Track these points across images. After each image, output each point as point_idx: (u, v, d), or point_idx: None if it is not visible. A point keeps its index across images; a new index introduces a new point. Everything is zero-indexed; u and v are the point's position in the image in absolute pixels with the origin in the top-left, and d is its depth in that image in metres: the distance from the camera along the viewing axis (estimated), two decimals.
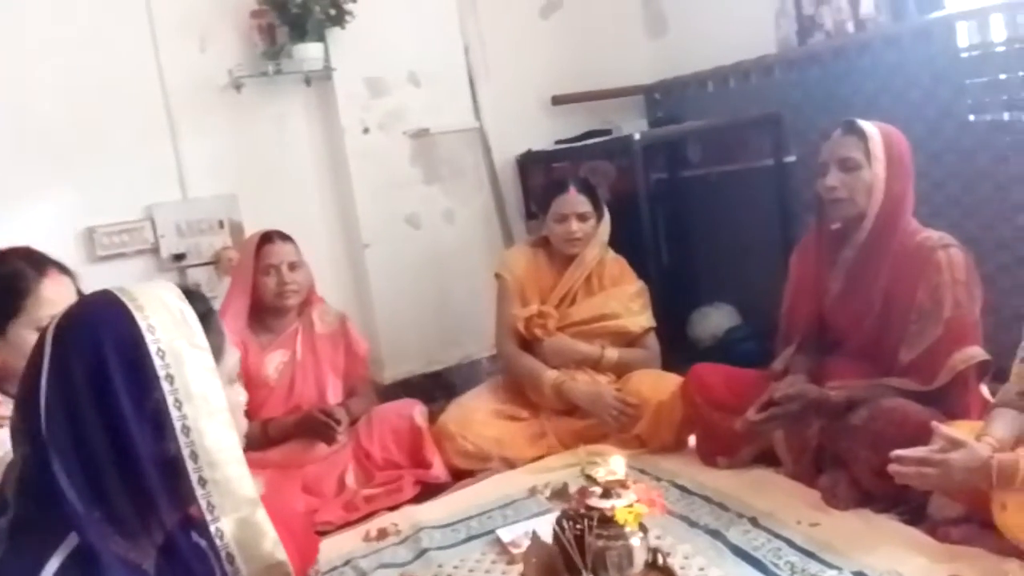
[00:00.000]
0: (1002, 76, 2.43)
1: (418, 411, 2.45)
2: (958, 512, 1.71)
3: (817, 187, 2.01)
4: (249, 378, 2.21)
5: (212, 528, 0.85)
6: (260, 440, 2.22)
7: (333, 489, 2.28)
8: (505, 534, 1.99)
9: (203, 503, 0.85)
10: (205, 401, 0.86)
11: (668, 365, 2.70)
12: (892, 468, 1.59)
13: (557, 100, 3.54)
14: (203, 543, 0.87)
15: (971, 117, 2.50)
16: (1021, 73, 2.38)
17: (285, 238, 2.38)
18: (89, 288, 1.40)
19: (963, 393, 1.88)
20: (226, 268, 2.80)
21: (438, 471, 2.36)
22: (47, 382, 0.83)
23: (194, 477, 0.84)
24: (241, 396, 1.01)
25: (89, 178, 2.70)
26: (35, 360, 0.86)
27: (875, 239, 1.97)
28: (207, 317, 0.94)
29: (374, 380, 3.09)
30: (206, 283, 2.86)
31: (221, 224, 2.90)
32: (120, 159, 2.74)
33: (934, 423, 1.61)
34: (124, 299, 0.88)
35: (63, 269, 1.50)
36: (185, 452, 0.84)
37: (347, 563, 1.97)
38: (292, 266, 2.34)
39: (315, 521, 2.14)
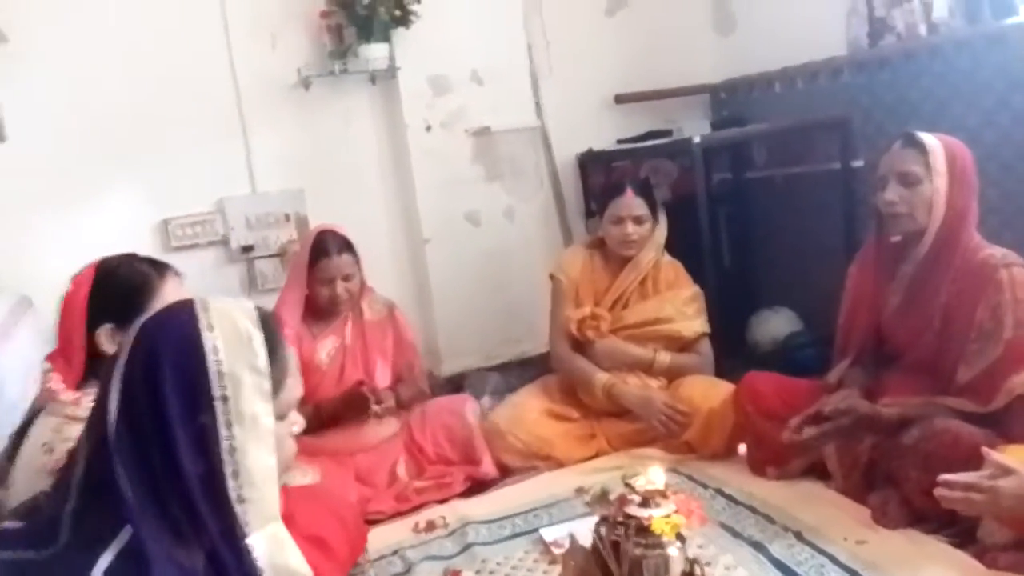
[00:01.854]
0: None
1: (470, 408, 2.50)
2: (1008, 538, 1.67)
3: (876, 200, 1.97)
4: (303, 364, 2.29)
5: (247, 543, 0.90)
6: (312, 421, 2.29)
7: (385, 480, 2.36)
8: (548, 534, 2.03)
9: (240, 519, 0.90)
10: (255, 423, 0.91)
11: (725, 369, 2.68)
12: (939, 492, 1.56)
13: (620, 99, 3.54)
14: (242, 555, 0.91)
15: None
16: None
17: (342, 249, 2.38)
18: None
19: (1022, 416, 1.82)
20: (290, 258, 2.91)
21: (487, 468, 2.41)
22: (117, 385, 0.89)
23: (233, 495, 0.90)
24: (295, 427, 1.05)
25: (164, 172, 2.85)
26: (112, 363, 0.93)
27: (936, 254, 1.92)
28: (276, 348, 0.98)
29: (431, 373, 3.17)
30: (272, 275, 2.98)
31: (287, 217, 3.01)
32: (193, 154, 2.87)
33: (984, 448, 1.57)
34: (199, 314, 0.93)
35: (176, 272, 1.61)
36: (228, 470, 0.89)
37: (395, 553, 2.04)
38: (347, 278, 2.39)
39: (367, 510, 2.22)
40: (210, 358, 0.90)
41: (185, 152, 2.86)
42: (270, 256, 3.00)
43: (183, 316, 0.92)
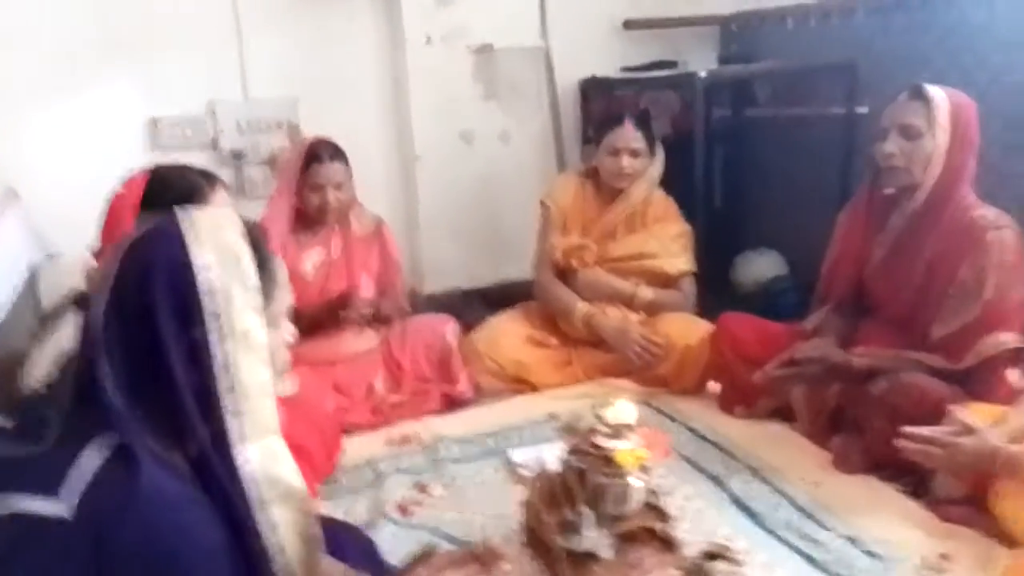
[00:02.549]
0: None
1: (450, 328, 2.52)
2: (960, 492, 1.72)
3: (874, 151, 1.95)
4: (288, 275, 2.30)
5: (240, 455, 0.91)
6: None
7: (362, 392, 2.40)
8: (517, 455, 2.08)
9: (234, 432, 0.91)
10: (246, 338, 0.91)
11: (707, 307, 2.70)
12: (900, 442, 1.60)
13: (629, 24, 3.44)
14: (234, 464, 0.92)
15: None
16: None
17: (334, 156, 2.37)
18: None
19: (989, 377, 1.85)
20: (281, 164, 2.87)
21: (464, 388, 2.45)
22: (108, 295, 0.89)
23: (229, 408, 0.90)
24: (287, 335, 1.06)
25: (155, 69, 2.77)
26: (105, 271, 0.92)
27: (927, 210, 1.91)
28: (265, 259, 0.98)
29: (414, 290, 3.18)
30: (262, 182, 2.95)
31: (280, 125, 2.95)
32: (186, 53, 2.79)
33: (950, 406, 1.61)
34: (186, 232, 0.91)
35: (224, 184, 1.68)
36: (223, 385, 0.90)
37: (367, 463, 2.09)
38: (338, 186, 2.37)
39: (343, 420, 2.26)
40: (201, 275, 0.89)
41: (178, 50, 2.78)
42: (260, 163, 2.96)
43: (171, 233, 0.91)
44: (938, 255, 1.90)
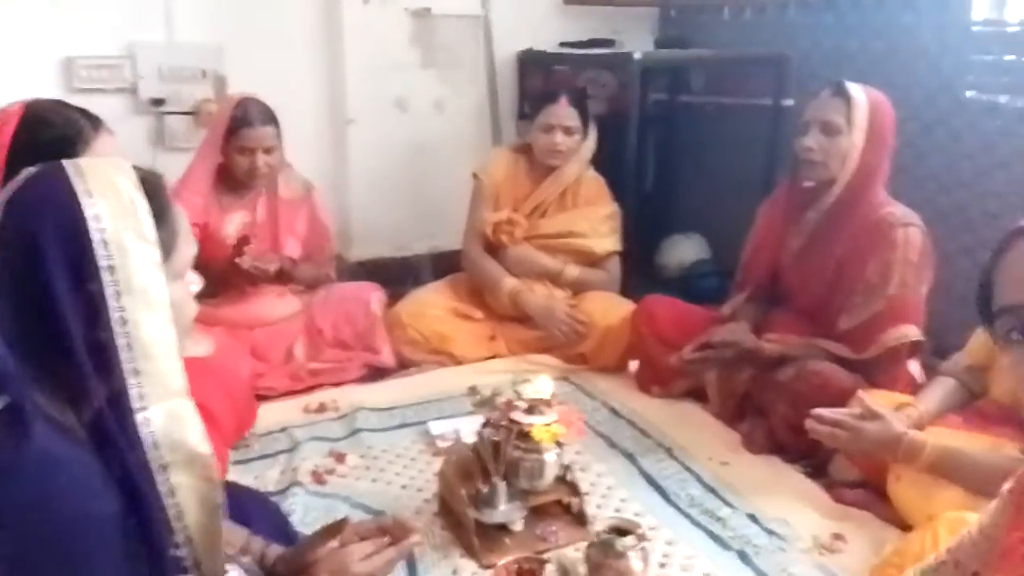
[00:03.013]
0: (1008, 57, 2.39)
1: (375, 297, 2.50)
2: (855, 476, 1.82)
3: (795, 144, 2.01)
4: (208, 236, 2.22)
5: (140, 416, 0.87)
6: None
7: (281, 357, 2.35)
8: (435, 427, 2.09)
9: (133, 391, 0.87)
10: (145, 295, 0.87)
11: (630, 288, 2.75)
12: (808, 424, 1.67)
13: None
14: (133, 425, 0.88)
15: (968, 94, 2.47)
16: None
17: (265, 119, 2.27)
18: None
19: (891, 367, 1.95)
20: (204, 121, 2.76)
21: (385, 358, 2.44)
22: None
23: (127, 367, 0.86)
24: (193, 286, 1.01)
25: (72, 4, 2.62)
26: None
27: (840, 206, 1.98)
28: (163, 209, 0.92)
29: (341, 256, 3.13)
30: (183, 133, 2.84)
31: (204, 74, 2.84)
32: None
33: (859, 391, 1.68)
34: (75, 181, 0.86)
35: (109, 129, 1.51)
36: (121, 342, 0.86)
37: (283, 430, 2.06)
38: (268, 150, 2.28)
39: (259, 385, 2.22)
40: (92, 226, 0.84)
41: None
42: (182, 113, 2.84)
43: (58, 183, 0.86)
44: (849, 249, 1.98)
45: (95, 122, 1.49)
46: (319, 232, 2.51)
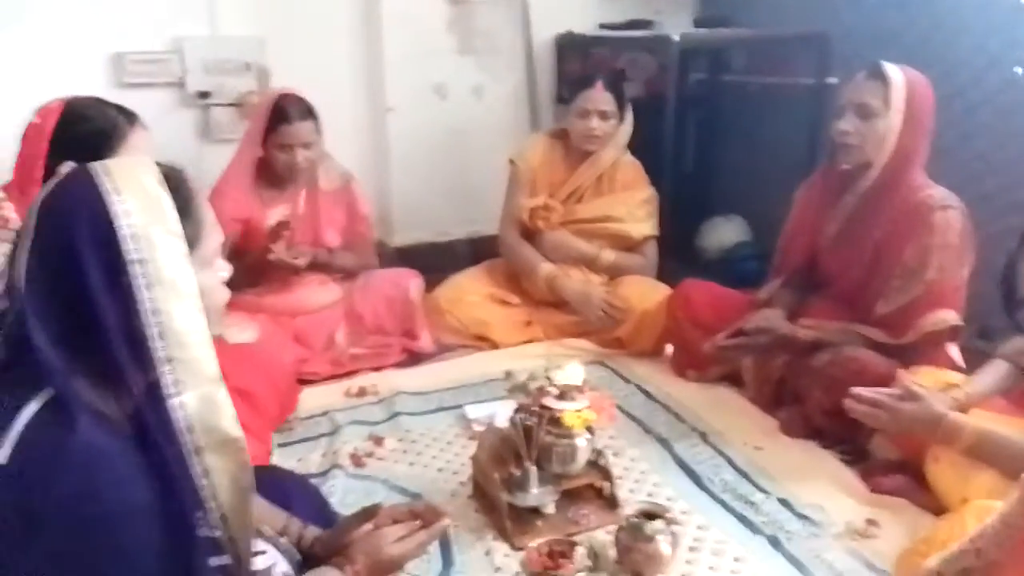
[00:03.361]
0: None
1: (414, 284, 2.54)
2: (895, 455, 1.80)
3: (831, 128, 1.98)
4: (251, 230, 2.29)
5: (175, 401, 0.91)
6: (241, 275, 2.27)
7: (322, 344, 2.42)
8: (471, 411, 2.13)
9: (168, 378, 0.91)
10: (174, 286, 0.91)
11: (670, 272, 2.74)
12: (847, 403, 1.66)
13: None
14: (168, 411, 0.92)
15: (1018, 70, 2.39)
16: None
17: (304, 115, 2.30)
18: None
19: (930, 352, 1.92)
20: (248, 113, 2.83)
21: (425, 343, 2.49)
22: (29, 248, 0.89)
23: (161, 355, 0.90)
24: (223, 272, 1.06)
25: (120, 2, 2.70)
26: (25, 225, 0.92)
27: (878, 190, 1.95)
28: (187, 201, 0.97)
29: (382, 242, 3.19)
30: (227, 124, 2.91)
31: (248, 67, 2.91)
32: None
33: (900, 371, 1.67)
34: (103, 180, 0.91)
35: (144, 124, 1.61)
36: (154, 331, 0.90)
37: (325, 414, 2.13)
38: (307, 145, 2.31)
39: (301, 370, 2.29)
40: (121, 222, 0.89)
41: None
42: (227, 105, 2.91)
43: (87, 184, 0.91)
44: (887, 233, 1.95)
45: (131, 117, 1.58)
46: (359, 222, 2.55)
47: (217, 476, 0.94)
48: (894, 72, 1.89)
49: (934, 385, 1.71)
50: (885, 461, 1.86)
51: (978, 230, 1.94)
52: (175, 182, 0.96)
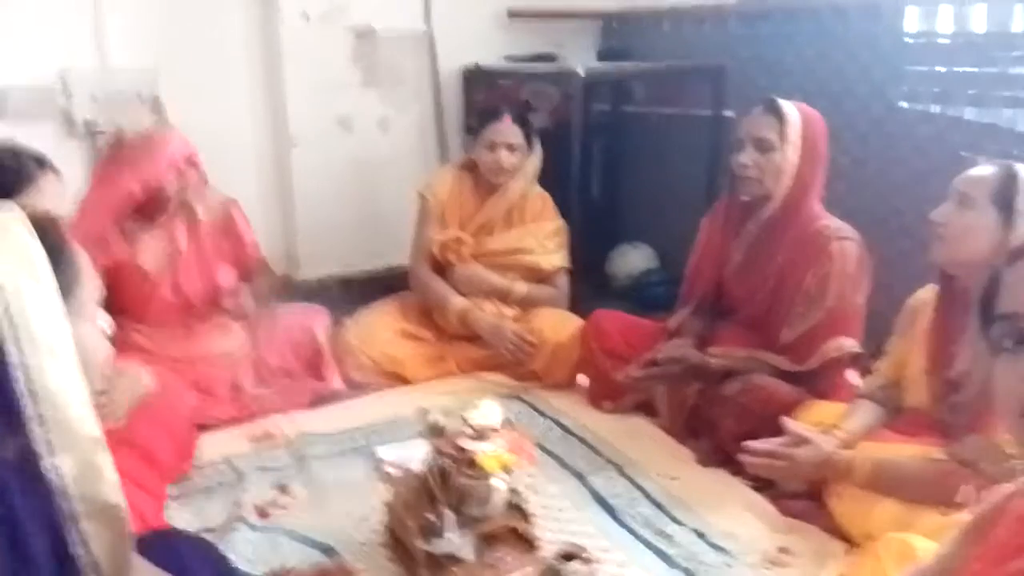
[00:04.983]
0: (940, 68, 2.46)
1: (320, 323, 2.45)
2: (800, 487, 1.84)
3: (731, 161, 2.03)
4: (121, 269, 2.15)
5: (48, 464, 0.85)
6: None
7: (226, 391, 2.28)
8: (384, 452, 2.06)
9: (41, 441, 0.84)
10: (46, 340, 0.84)
11: (581, 299, 2.76)
12: (743, 457, 1.69)
13: (513, 13, 3.43)
14: (43, 476, 0.86)
15: (903, 104, 2.53)
16: (958, 68, 2.40)
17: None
18: None
19: (832, 377, 1.99)
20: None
21: (334, 384, 2.40)
22: None
23: (32, 415, 0.84)
24: (103, 323, 1.00)
25: (1, 33, 2.55)
26: None
27: (777, 220, 2.01)
28: (58, 249, 0.90)
29: (287, 277, 3.09)
30: None
31: (140, 98, 2.78)
32: (35, 15, 2.58)
33: (783, 418, 1.70)
34: None
35: (56, 169, 1.62)
36: (24, 390, 0.83)
37: (225, 461, 2.02)
38: (183, 182, 2.20)
39: (203, 414, 2.16)
40: None
41: (25, 12, 2.57)
42: None
43: None
44: (787, 262, 2.01)
45: (42, 162, 1.59)
46: (245, 248, 2.39)
47: (97, 545, 0.87)
48: (789, 108, 1.97)
49: (824, 420, 1.76)
50: (791, 493, 1.89)
51: (871, 253, 2.02)
52: (44, 228, 0.89)
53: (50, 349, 0.85)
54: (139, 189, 2.14)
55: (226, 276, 2.33)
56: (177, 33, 2.81)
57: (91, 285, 0.96)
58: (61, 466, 0.85)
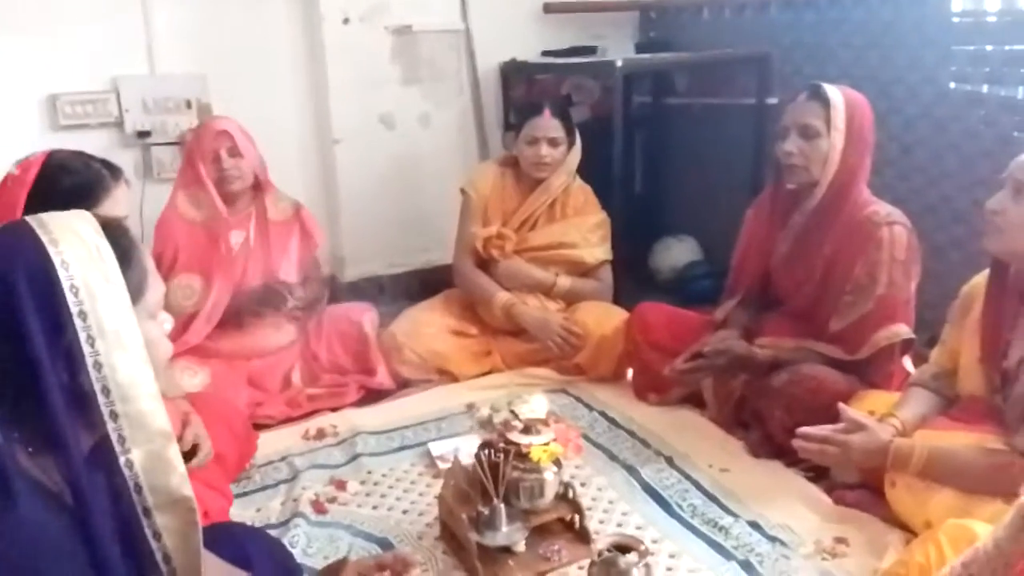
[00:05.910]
0: (989, 47, 2.40)
1: (368, 318, 2.50)
2: (855, 478, 1.82)
3: (776, 149, 2.01)
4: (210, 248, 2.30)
5: (122, 459, 0.88)
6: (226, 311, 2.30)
7: (278, 385, 2.36)
8: (436, 448, 2.09)
9: (114, 435, 0.87)
10: (118, 337, 0.88)
11: (625, 293, 2.75)
12: (796, 443, 1.67)
13: (549, 8, 3.43)
14: (117, 470, 0.89)
15: (952, 85, 2.48)
16: (1008, 47, 2.35)
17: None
18: None
19: (885, 365, 1.96)
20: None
21: (382, 379, 2.44)
22: None
23: (106, 411, 0.87)
24: (167, 324, 1.03)
25: (54, 43, 2.63)
26: None
27: (824, 208, 1.98)
28: (128, 252, 0.94)
29: (335, 277, 3.14)
30: (170, 163, 2.85)
31: (189, 104, 2.85)
32: (87, 25, 2.66)
33: (840, 404, 1.68)
34: (39, 232, 0.88)
35: (127, 178, 1.66)
36: (97, 387, 0.86)
37: (283, 459, 2.06)
38: (232, 151, 2.31)
39: (257, 414, 2.22)
40: (61, 273, 0.85)
41: (78, 23, 2.64)
42: (168, 144, 2.85)
43: (23, 235, 0.87)
44: (836, 250, 1.98)
45: (115, 171, 1.61)
46: (310, 249, 2.52)
47: (169, 537, 0.91)
48: (833, 93, 1.93)
49: (878, 410, 1.74)
50: (847, 484, 1.87)
51: (923, 241, 1.99)
52: (114, 232, 0.93)
53: (121, 345, 0.88)
54: (194, 174, 2.31)
55: (288, 273, 2.41)
56: (224, 39, 2.87)
57: (156, 287, 0.99)
58: (134, 460, 0.88)
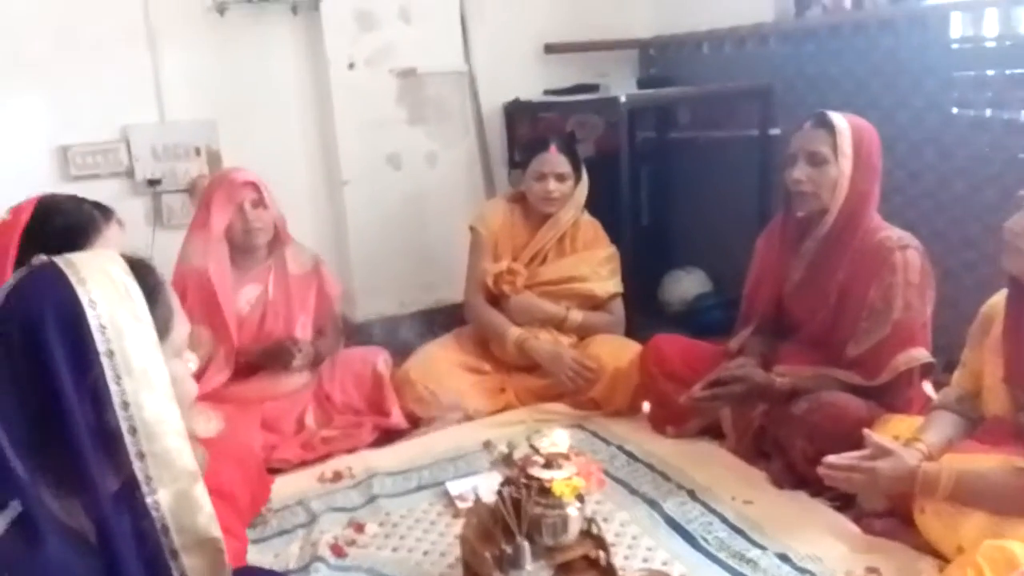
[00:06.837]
0: (990, 72, 2.42)
1: (382, 359, 2.49)
2: (883, 505, 1.79)
3: (784, 177, 2.02)
4: (220, 309, 2.28)
5: (149, 499, 0.87)
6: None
7: (292, 428, 2.34)
8: (454, 487, 2.06)
9: (140, 475, 0.87)
10: (145, 375, 0.87)
11: (636, 326, 2.75)
12: (822, 471, 1.65)
13: (550, 48, 3.48)
14: (144, 510, 0.88)
15: (955, 110, 2.49)
16: (1008, 71, 2.37)
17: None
18: None
19: (904, 390, 1.94)
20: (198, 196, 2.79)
21: (396, 419, 2.42)
22: None
23: (132, 450, 0.86)
24: (191, 364, 1.03)
25: (64, 94, 2.67)
26: None
27: (836, 234, 1.99)
28: (155, 291, 0.94)
29: (345, 317, 3.13)
30: (180, 210, 2.87)
31: (198, 151, 2.88)
32: (96, 76, 2.70)
33: (866, 431, 1.66)
34: (67, 272, 0.88)
35: (119, 219, 1.65)
36: (124, 426, 0.86)
37: (299, 503, 2.04)
38: (255, 203, 2.33)
39: (272, 458, 2.20)
40: (88, 312, 0.85)
41: (88, 73, 2.68)
42: (179, 191, 2.87)
43: (53, 274, 0.88)
44: (849, 276, 1.98)
45: (106, 213, 1.60)
46: (327, 302, 2.53)
47: None
48: (839, 120, 1.95)
49: (902, 434, 1.72)
50: (875, 511, 1.84)
51: (934, 266, 1.98)
52: (141, 270, 0.94)
53: (148, 383, 0.88)
54: (216, 226, 2.31)
55: (304, 330, 2.43)
56: (231, 85, 2.91)
57: (182, 326, 0.99)
58: (160, 500, 0.88)
